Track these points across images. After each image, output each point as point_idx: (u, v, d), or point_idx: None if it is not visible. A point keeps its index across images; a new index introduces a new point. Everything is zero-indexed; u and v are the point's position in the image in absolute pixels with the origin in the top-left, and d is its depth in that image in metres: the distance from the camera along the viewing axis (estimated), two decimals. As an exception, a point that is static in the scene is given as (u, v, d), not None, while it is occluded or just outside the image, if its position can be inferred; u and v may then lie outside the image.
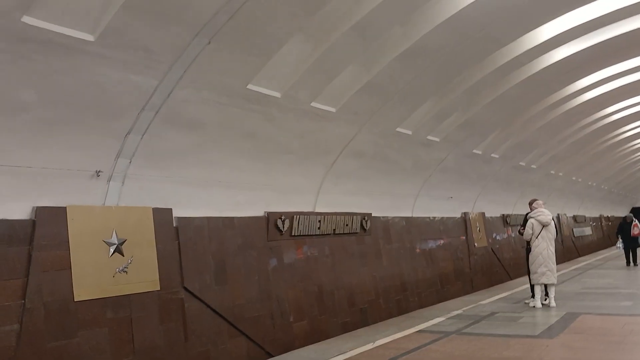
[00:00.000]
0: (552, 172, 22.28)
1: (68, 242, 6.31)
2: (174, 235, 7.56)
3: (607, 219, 36.38)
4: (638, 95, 16.86)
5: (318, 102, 8.67)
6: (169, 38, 5.99)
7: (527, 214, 10.15)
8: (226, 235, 8.40)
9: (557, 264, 9.87)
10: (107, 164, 6.68)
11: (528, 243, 9.90)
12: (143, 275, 7.07)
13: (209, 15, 5.91)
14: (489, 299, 11.13)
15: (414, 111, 10.80)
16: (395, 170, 12.26)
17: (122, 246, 6.86)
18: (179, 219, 7.65)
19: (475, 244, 16.74)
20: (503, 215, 19.60)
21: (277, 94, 7.88)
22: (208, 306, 7.84)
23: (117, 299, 6.71)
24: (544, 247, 9.59)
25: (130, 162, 6.87)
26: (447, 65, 9.73)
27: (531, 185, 21.33)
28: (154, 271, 7.20)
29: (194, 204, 7.90)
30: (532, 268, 9.69)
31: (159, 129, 6.86)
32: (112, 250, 6.77)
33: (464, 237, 16.26)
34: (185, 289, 7.60)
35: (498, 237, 18.84)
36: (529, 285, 10.35)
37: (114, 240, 6.79)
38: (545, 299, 9.71)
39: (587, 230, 30.86)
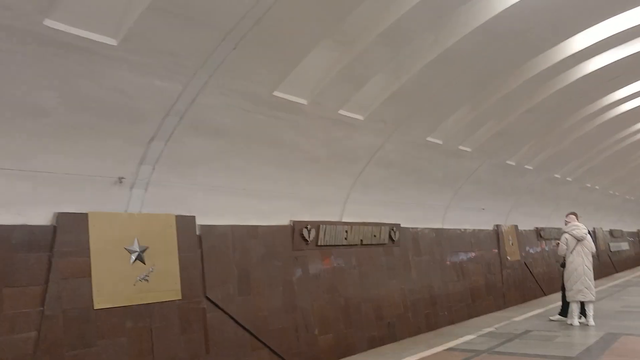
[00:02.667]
0: (589, 185, 21.60)
1: (89, 249, 6.22)
2: (197, 244, 7.42)
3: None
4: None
5: (345, 109, 8.46)
6: (194, 43, 5.88)
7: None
8: (250, 244, 8.23)
9: (594, 280, 9.43)
10: (130, 171, 6.58)
11: (564, 259, 9.50)
12: (164, 284, 6.94)
13: (235, 20, 5.77)
14: (522, 316, 10.73)
15: (445, 120, 10.52)
16: (425, 181, 11.96)
17: (144, 254, 6.75)
18: (202, 226, 7.52)
19: (508, 258, 16.25)
20: (537, 228, 19.04)
21: (303, 101, 7.70)
22: (231, 317, 7.66)
23: (137, 308, 6.59)
24: (580, 263, 9.19)
25: (153, 168, 6.77)
26: (480, 73, 9.44)
27: (566, 198, 20.69)
28: (176, 280, 7.07)
29: (217, 212, 7.76)
30: (567, 285, 9.29)
31: (182, 135, 6.74)
32: (133, 258, 6.66)
33: (496, 250, 15.79)
34: (208, 298, 7.44)
35: (531, 251, 18.29)
36: (561, 302, 9.98)
37: (136, 247, 6.68)
38: (581, 317, 9.27)
39: (625, 245, 29.83)
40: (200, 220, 7.46)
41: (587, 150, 17.32)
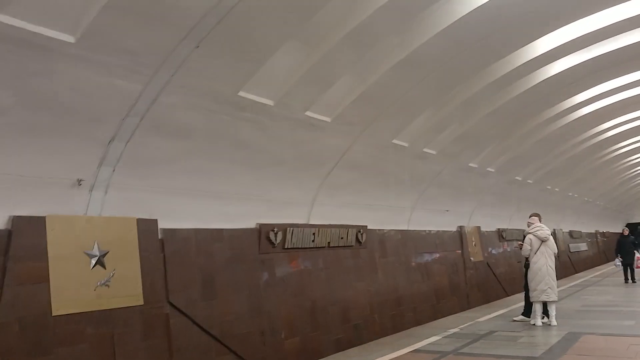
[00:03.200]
0: (549, 187, 22.10)
1: (47, 253, 5.99)
2: (159, 248, 7.24)
3: (603, 234, 36.19)
4: (634, 111, 16.72)
5: (312, 111, 8.41)
6: (154, 41, 5.72)
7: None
8: (215, 247, 8.09)
9: (561, 278, 9.59)
10: (89, 172, 6.38)
11: (527, 259, 9.61)
12: (126, 289, 6.74)
13: (196, 17, 5.64)
14: (486, 317, 10.82)
15: (411, 123, 10.57)
16: (391, 183, 12.00)
17: (104, 258, 6.55)
18: (165, 230, 7.34)
19: (472, 258, 16.47)
20: (499, 229, 19.35)
21: (269, 102, 7.61)
22: (194, 322, 7.51)
23: (98, 313, 6.38)
24: (543, 263, 9.30)
25: (113, 170, 6.57)
26: (444, 76, 9.51)
27: (527, 200, 21.05)
28: (138, 285, 6.88)
29: (181, 215, 7.60)
30: (531, 285, 9.38)
31: (144, 136, 6.56)
32: (93, 262, 6.45)
33: (460, 251, 15.98)
34: (171, 304, 7.27)
35: (494, 252, 18.59)
36: (523, 303, 10.11)
37: (96, 252, 6.48)
38: (544, 317, 9.40)
39: (583, 246, 30.64)
40: (162, 224, 7.28)
41: (547, 153, 17.71)
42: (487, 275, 17.36)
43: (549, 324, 9.22)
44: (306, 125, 8.56)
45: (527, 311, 9.83)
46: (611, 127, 17.78)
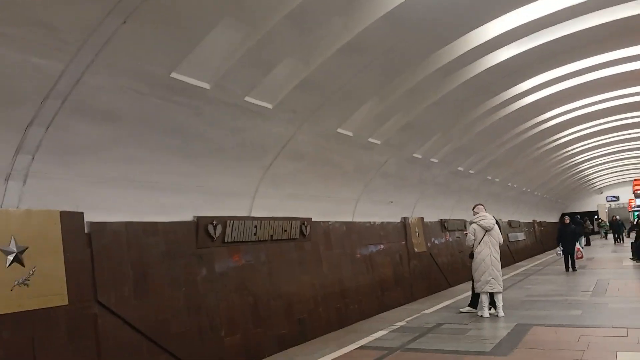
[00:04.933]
0: (489, 177, 22.44)
1: (-47, 250, 5.36)
2: (86, 243, 6.66)
3: (540, 224, 37.35)
4: (574, 101, 17.13)
5: (253, 96, 7.98)
6: (75, 15, 5.17)
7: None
8: (148, 242, 7.56)
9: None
10: (5, 161, 5.75)
11: (472, 249, 9.50)
12: (48, 288, 6.15)
13: (122, -10, 5.14)
14: (432, 308, 10.64)
15: (355, 111, 10.30)
16: (336, 173, 11.72)
17: (23, 255, 5.94)
18: (92, 224, 6.76)
19: (415, 249, 16.46)
20: (441, 220, 19.49)
21: (205, 85, 7.13)
22: (126, 322, 6.98)
23: (15, 315, 5.78)
24: (487, 254, 9.12)
25: (33, 158, 5.96)
26: (389, 63, 9.28)
27: (468, 190, 21.37)
28: (61, 284, 6.29)
29: (110, 207, 7.03)
30: (475, 276, 9.24)
31: (67, 120, 5.98)
32: (10, 259, 5.83)
33: (404, 242, 15.93)
34: (99, 303, 6.72)
35: (436, 242, 18.69)
36: (470, 293, 10.01)
37: (13, 248, 5.86)
38: (490, 308, 9.27)
39: (521, 236, 31.48)
40: (89, 217, 6.69)
41: (489, 143, 17.90)
42: (430, 266, 17.43)
43: (496, 315, 9.09)
44: (246, 111, 8.13)
45: (474, 302, 9.72)
46: (551, 117, 18.16)
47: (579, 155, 28.15)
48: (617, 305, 9.84)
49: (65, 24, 5.20)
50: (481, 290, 9.15)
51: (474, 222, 9.43)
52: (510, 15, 9.58)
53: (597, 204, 48.74)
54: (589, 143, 25.66)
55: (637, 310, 9.27)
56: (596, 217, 45.93)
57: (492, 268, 9.05)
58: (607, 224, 39.83)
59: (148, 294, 7.37)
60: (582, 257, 16.36)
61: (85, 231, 6.67)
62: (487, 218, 9.37)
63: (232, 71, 7.20)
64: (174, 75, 6.61)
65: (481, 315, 9.14)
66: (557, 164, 28.18)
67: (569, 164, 30.12)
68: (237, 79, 7.43)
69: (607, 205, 49.15)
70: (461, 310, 9.92)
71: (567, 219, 17.32)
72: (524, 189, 29.67)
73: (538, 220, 36.97)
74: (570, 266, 15.66)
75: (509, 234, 29.36)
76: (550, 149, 23.31)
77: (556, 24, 10.40)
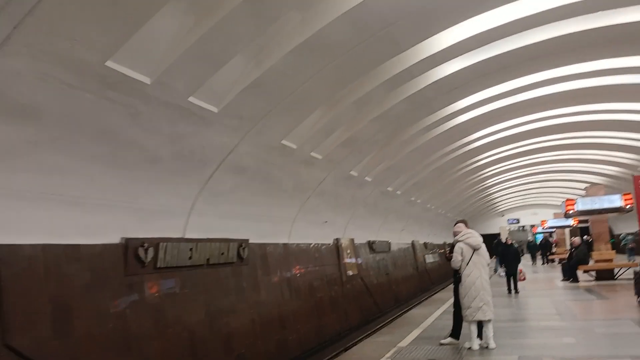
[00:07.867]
0: (413, 198, 22.34)
1: None
2: (-9, 272, 5.24)
3: (450, 245, 37.95)
4: (498, 123, 17.23)
5: (197, 97, 6.90)
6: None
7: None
8: (70, 269, 6.21)
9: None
10: None
11: (456, 272, 8.24)
12: (-63, 333, 4.69)
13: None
14: (405, 340, 8.51)
15: (303, 121, 9.47)
16: (275, 190, 10.76)
17: None
18: (1, 247, 5.36)
19: (349, 272, 15.74)
20: (369, 241, 18.97)
21: (145, 79, 5.98)
22: (42, 370, 5.57)
23: None
24: (477, 276, 7.57)
25: None
26: (341, 69, 8.55)
27: (394, 211, 21.09)
28: (-43, 326, 4.85)
29: (23, 226, 5.65)
30: (464, 302, 7.68)
31: (-31, 114, 4.64)
32: None
33: (337, 265, 15.15)
34: (8, 347, 5.29)
35: (366, 265, 18.09)
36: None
37: None
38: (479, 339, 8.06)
39: (434, 258, 31.75)
40: (-4, 238, 5.30)
41: (417, 163, 17.67)
42: (361, 290, 16.74)
43: (487, 347, 7.91)
44: (188, 114, 7.03)
45: (456, 332, 8.38)
46: (476, 139, 18.23)
47: (490, 178, 28.87)
48: (605, 330, 8.80)
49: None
50: (472, 319, 7.71)
51: (459, 241, 8.12)
52: (461, 26, 9.20)
53: (499, 226, 50.72)
54: (498, 167, 26.24)
55: (633, 335, 8.47)
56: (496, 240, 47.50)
57: (483, 292, 7.62)
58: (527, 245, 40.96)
59: (70, 332, 5.99)
60: (524, 279, 16.04)
61: (-9, 257, 5.25)
62: (474, 235, 7.94)
63: (177, 64, 6.12)
64: (109, 64, 5.43)
65: (470, 348, 7.83)
66: (471, 187, 28.78)
67: (481, 187, 30.92)
68: (182, 74, 6.35)
69: (508, 227, 51.27)
70: (442, 342, 8.42)
71: (510, 240, 17.08)
72: (439, 211, 30.04)
73: (449, 242, 37.64)
74: (512, 288, 15.10)
75: (425, 255, 29.49)
76: (468, 172, 23.61)
77: (498, 39, 10.15)
